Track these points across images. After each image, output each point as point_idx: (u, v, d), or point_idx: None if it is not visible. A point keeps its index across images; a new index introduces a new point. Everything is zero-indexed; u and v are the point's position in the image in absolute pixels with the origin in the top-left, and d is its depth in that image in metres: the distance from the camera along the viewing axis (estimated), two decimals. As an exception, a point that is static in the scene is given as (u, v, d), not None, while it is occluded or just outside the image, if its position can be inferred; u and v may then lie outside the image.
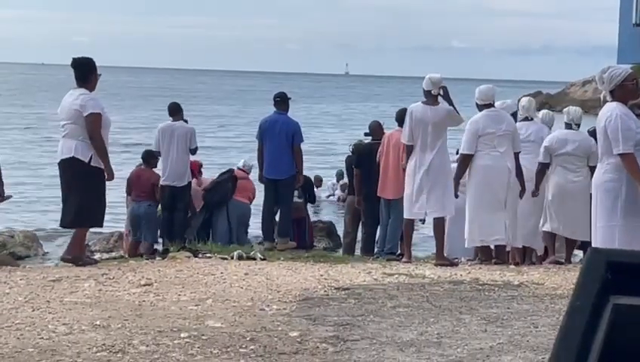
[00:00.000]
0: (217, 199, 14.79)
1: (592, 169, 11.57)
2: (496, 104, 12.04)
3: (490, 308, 7.98)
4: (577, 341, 1.68)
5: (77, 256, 10.41)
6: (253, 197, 15.30)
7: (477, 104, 11.58)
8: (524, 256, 11.92)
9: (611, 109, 8.54)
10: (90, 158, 10.18)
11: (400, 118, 13.81)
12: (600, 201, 8.84)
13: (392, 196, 13.42)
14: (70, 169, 10.24)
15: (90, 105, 10.20)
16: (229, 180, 14.95)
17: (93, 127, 10.17)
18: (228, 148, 37.86)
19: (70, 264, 10.10)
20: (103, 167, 10.26)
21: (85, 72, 10.40)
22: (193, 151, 14.52)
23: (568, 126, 11.83)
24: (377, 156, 13.69)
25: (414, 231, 12.34)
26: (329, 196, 24.49)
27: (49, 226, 19.52)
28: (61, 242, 16.46)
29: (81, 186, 10.26)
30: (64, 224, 10.70)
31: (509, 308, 8.00)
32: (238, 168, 15.49)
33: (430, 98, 11.21)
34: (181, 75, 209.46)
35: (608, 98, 8.71)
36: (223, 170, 15.76)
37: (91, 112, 10.17)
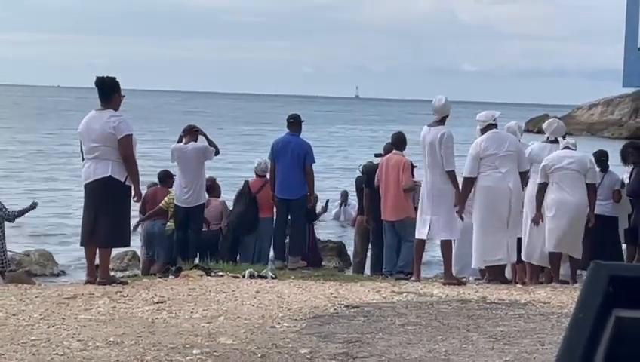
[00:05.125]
0: (245, 230, 14.56)
1: (589, 187, 11.59)
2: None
3: (498, 326, 7.97)
4: (580, 353, 1.68)
5: (110, 277, 10.40)
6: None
7: (479, 128, 11.61)
8: (532, 275, 11.90)
9: None
10: (125, 178, 10.16)
11: (396, 141, 13.81)
12: None
13: (391, 218, 13.37)
14: (106, 189, 10.09)
15: (123, 127, 10.13)
16: (251, 205, 14.63)
17: (127, 148, 10.11)
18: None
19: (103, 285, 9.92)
20: (131, 186, 10.24)
21: (109, 90, 10.34)
22: (216, 153, 14.34)
23: (566, 148, 11.84)
24: (376, 180, 13.65)
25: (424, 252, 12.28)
26: (335, 218, 24.11)
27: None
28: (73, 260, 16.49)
29: (116, 206, 10.16)
30: (100, 244, 10.32)
31: (515, 326, 7.99)
32: (256, 174, 15.12)
33: (434, 120, 11.36)
34: (195, 97, 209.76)
35: None
36: (239, 189, 15.26)
37: (125, 135, 10.12)
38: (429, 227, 11.21)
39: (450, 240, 11.32)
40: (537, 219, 11.45)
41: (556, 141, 12.10)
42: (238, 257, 14.33)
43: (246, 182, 15.05)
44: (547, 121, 12.79)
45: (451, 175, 11.19)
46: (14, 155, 42.99)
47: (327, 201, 20.19)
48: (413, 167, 13.47)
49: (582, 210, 11.53)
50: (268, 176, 14.59)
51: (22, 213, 14.77)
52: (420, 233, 11.38)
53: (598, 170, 12.28)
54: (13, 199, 19.40)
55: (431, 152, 11.13)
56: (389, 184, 13.34)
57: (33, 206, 14.78)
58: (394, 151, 13.66)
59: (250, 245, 14.47)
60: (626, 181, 12.73)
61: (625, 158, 12.82)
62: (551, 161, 11.55)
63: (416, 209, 12.55)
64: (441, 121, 11.30)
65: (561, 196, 11.44)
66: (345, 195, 24.04)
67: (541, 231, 11.59)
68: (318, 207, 18.09)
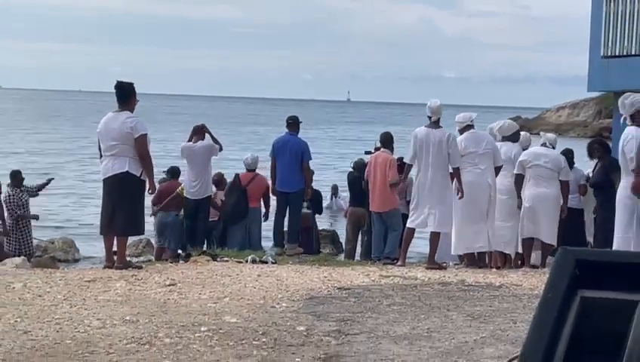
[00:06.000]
0: (237, 219, 14.57)
1: (562, 183, 11.67)
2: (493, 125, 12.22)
3: (475, 306, 7.97)
4: (549, 329, 1.68)
5: (127, 262, 10.38)
6: (267, 192, 14.69)
7: (458, 129, 11.60)
8: (505, 261, 11.91)
9: (630, 132, 8.74)
10: (141, 173, 10.15)
11: (384, 140, 13.78)
12: (619, 215, 8.97)
13: (378, 209, 13.36)
14: (123, 183, 10.07)
15: (139, 127, 10.12)
16: (242, 196, 14.65)
17: (143, 146, 10.10)
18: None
19: (119, 269, 9.87)
20: (146, 180, 10.23)
21: (127, 94, 10.33)
22: (220, 149, 14.34)
23: (543, 145, 11.86)
24: (365, 175, 13.67)
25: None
26: (327, 208, 24.12)
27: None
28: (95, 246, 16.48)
29: (132, 199, 10.14)
30: (118, 233, 10.31)
31: (491, 306, 7.99)
32: (247, 168, 15.06)
33: (431, 122, 11.25)
34: (203, 100, 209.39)
35: (628, 122, 8.91)
36: (231, 181, 15.20)
37: (141, 134, 10.11)
38: (425, 218, 11.13)
39: (440, 233, 11.28)
40: (520, 205, 11.50)
41: (504, 139, 12.06)
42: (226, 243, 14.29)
43: (237, 175, 15.05)
44: (496, 123, 12.77)
45: (456, 171, 11.14)
46: (45, 153, 42.97)
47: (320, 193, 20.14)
48: (409, 165, 13.41)
49: (557, 201, 11.63)
50: (260, 171, 14.71)
51: (41, 187, 14.98)
52: (412, 223, 11.31)
53: (566, 166, 12.29)
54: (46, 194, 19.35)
55: (438, 152, 11.02)
56: (376, 179, 13.33)
57: (49, 180, 15.07)
58: (382, 149, 13.64)
59: (238, 233, 14.48)
60: (590, 174, 12.76)
61: (591, 153, 12.86)
62: (529, 157, 11.59)
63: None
64: (438, 123, 11.23)
65: (539, 190, 11.50)
66: (335, 189, 24.05)
67: (507, 221, 11.63)
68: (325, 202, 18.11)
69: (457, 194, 11.10)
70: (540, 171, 11.50)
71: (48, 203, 24.46)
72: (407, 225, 11.45)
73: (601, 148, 12.64)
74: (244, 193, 14.61)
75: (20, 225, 14.44)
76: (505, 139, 12.09)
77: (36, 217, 15.39)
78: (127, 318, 7.09)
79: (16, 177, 14.80)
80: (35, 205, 15.48)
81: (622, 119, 9.21)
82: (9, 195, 14.45)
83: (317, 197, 15.71)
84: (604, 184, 11.91)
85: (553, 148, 11.92)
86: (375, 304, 7.96)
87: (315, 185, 15.23)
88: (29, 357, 5.95)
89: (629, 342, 1.60)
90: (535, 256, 11.92)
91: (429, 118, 11.23)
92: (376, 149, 14.03)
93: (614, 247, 8.91)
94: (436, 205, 11.06)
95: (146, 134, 10.18)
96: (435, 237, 11.24)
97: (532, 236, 11.62)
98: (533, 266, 11.53)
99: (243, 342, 6.41)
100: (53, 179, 15.87)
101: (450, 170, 11.16)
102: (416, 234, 11.81)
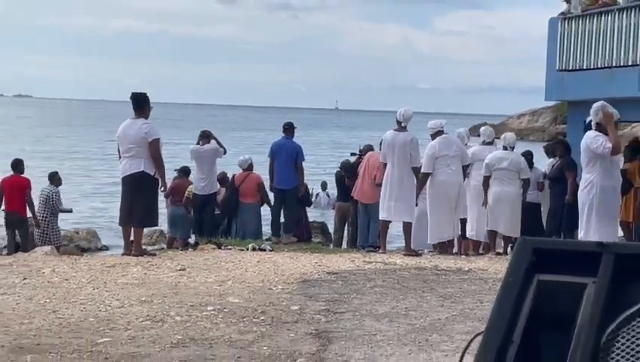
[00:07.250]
0: (232, 213, 14.57)
1: (524, 181, 11.75)
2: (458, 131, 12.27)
3: (447, 288, 7.98)
4: (510, 308, 1.69)
5: (143, 250, 10.35)
6: (261, 186, 14.60)
7: (430, 134, 11.60)
8: (473, 248, 11.93)
9: (596, 134, 8.83)
10: (154, 173, 10.12)
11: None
12: (580, 209, 9.03)
13: (368, 201, 13.38)
14: (139, 181, 10.02)
15: (152, 132, 10.09)
16: (233, 194, 14.60)
17: (156, 149, 10.07)
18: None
19: (134, 256, 9.86)
20: (159, 179, 10.20)
21: (142, 103, 10.30)
22: (224, 152, 14.33)
23: (504, 148, 11.87)
24: (357, 168, 13.72)
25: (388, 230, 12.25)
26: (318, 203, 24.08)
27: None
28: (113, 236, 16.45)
29: (147, 194, 10.10)
30: (135, 224, 10.24)
31: (461, 288, 8.01)
32: (242, 168, 14.93)
33: (399, 126, 11.26)
34: (208, 109, 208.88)
35: (593, 126, 8.96)
36: (229, 181, 15.16)
37: (154, 138, 10.08)
38: (394, 210, 11.18)
39: (411, 222, 11.31)
40: (484, 203, 11.52)
41: (490, 143, 12.20)
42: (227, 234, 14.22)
43: (233, 176, 15.05)
44: (482, 128, 12.82)
45: (417, 170, 11.18)
46: (82, 156, 42.83)
47: (313, 189, 20.16)
48: (382, 163, 13.38)
49: (518, 198, 11.67)
50: (260, 170, 14.68)
51: (62, 210, 14.91)
52: (383, 215, 11.35)
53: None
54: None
55: (403, 152, 11.06)
56: (366, 175, 13.34)
57: (70, 210, 15.03)
58: (377, 151, 13.64)
59: (235, 225, 14.46)
60: (548, 171, 12.87)
61: (553, 151, 12.98)
62: (492, 160, 11.59)
63: None
64: (405, 127, 11.24)
65: (502, 188, 11.54)
66: (324, 184, 24.03)
67: (481, 214, 11.65)
68: (313, 196, 18.09)
69: (422, 191, 11.23)
70: (502, 173, 11.55)
71: (80, 201, 24.45)
72: (380, 217, 11.46)
73: (563, 147, 12.75)
74: (235, 191, 14.61)
75: (50, 219, 14.39)
76: (484, 143, 12.26)
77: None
78: (143, 299, 7.09)
79: (54, 177, 14.83)
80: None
81: (587, 120, 9.14)
82: (50, 192, 14.46)
83: (305, 192, 15.66)
84: (559, 178, 12.12)
85: (512, 148, 11.91)
86: (359, 286, 7.97)
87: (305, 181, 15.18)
88: (57, 333, 5.94)
89: (579, 319, 1.61)
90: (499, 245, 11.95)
91: (399, 123, 11.24)
92: (361, 151, 14.05)
93: (579, 238, 8.89)
94: (401, 198, 11.10)
95: (158, 138, 10.16)
96: (407, 228, 11.26)
97: (494, 229, 11.65)
98: (498, 253, 11.55)
99: (244, 319, 6.41)
100: (71, 210, 15.90)
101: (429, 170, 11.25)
102: (395, 232, 11.82)
